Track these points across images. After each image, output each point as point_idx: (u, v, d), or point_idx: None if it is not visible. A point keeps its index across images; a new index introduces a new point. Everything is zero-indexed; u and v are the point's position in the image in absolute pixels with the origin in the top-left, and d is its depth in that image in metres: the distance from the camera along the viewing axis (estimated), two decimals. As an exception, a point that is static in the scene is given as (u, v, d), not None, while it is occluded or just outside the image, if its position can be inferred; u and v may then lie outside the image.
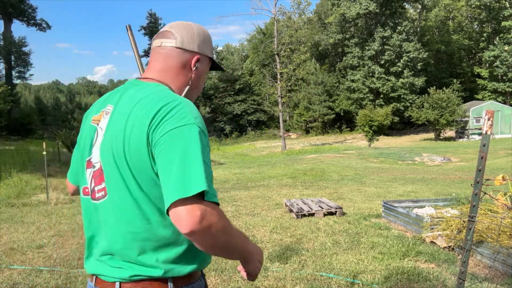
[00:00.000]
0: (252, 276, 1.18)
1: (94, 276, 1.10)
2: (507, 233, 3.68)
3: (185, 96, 1.15)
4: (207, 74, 1.33)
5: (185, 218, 0.88)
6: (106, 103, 1.14)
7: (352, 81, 41.39)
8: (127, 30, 1.36)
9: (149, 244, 1.02)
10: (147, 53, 52.10)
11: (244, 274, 1.19)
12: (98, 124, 1.12)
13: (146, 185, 1.00)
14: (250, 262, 1.14)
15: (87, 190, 1.13)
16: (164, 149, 0.94)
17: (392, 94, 38.61)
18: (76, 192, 1.31)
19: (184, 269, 1.06)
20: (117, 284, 1.04)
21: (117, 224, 1.04)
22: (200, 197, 0.90)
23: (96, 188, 1.08)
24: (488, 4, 36.33)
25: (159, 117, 0.97)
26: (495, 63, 36.91)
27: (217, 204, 0.95)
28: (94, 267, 1.11)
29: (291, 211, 6.15)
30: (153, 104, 1.00)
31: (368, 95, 39.97)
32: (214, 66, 1.29)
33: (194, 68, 1.18)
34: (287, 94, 41.06)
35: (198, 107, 53.72)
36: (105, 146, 1.05)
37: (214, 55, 1.32)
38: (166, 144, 0.94)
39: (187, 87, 1.18)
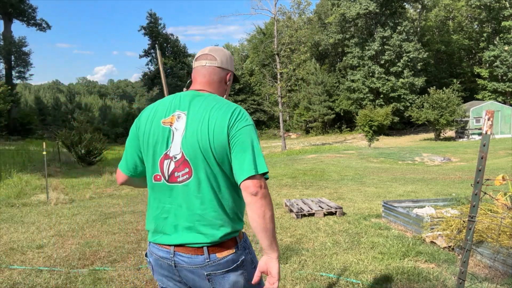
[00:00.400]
0: (275, 277, 1.39)
1: (173, 246, 1.41)
2: (507, 233, 3.68)
3: None
4: None
5: (253, 185, 1.32)
6: (172, 109, 1.45)
7: (352, 81, 41.39)
8: (156, 50, 1.63)
9: (226, 210, 1.41)
10: (147, 53, 52.14)
11: (269, 278, 1.40)
12: (171, 126, 1.43)
13: (224, 165, 1.39)
14: (273, 255, 1.40)
15: (158, 176, 1.44)
16: (239, 140, 1.37)
17: (392, 94, 38.61)
18: (126, 181, 1.60)
19: (240, 225, 1.48)
20: (205, 248, 1.38)
21: (201, 195, 1.38)
22: (262, 176, 1.37)
23: (176, 174, 1.41)
24: (488, 4, 36.32)
25: (233, 118, 1.38)
26: (495, 63, 36.90)
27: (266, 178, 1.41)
28: (175, 237, 1.41)
29: (291, 211, 6.15)
30: (226, 109, 1.40)
31: (368, 95, 39.96)
32: (235, 79, 1.69)
33: (228, 82, 1.60)
34: (287, 94, 41.07)
35: (198, 107, 53.71)
36: (188, 141, 1.39)
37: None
38: (240, 137, 1.37)
39: (225, 95, 1.59)
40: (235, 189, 1.44)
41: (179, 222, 1.41)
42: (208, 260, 1.39)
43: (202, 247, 1.38)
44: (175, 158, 1.41)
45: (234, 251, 1.42)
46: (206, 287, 1.43)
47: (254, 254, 1.56)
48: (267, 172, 1.39)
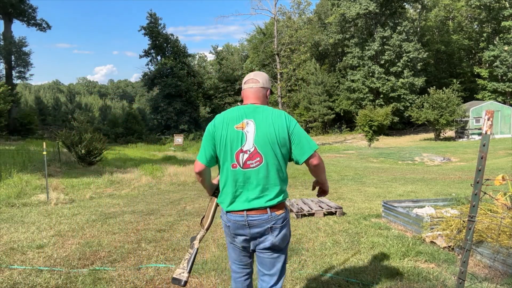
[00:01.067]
0: (325, 191, 2.40)
1: (245, 211, 2.10)
2: (507, 233, 3.68)
3: None
4: None
5: (316, 158, 2.11)
6: (241, 118, 2.11)
7: (352, 81, 41.38)
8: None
9: (282, 182, 2.14)
10: (147, 53, 52.14)
11: (322, 191, 2.39)
12: (243, 130, 2.10)
13: (285, 153, 2.12)
14: (326, 183, 2.34)
15: (235, 165, 2.11)
16: (296, 134, 2.10)
17: (392, 94, 38.60)
18: (203, 170, 2.22)
19: (287, 194, 2.21)
20: (268, 209, 2.10)
21: (268, 175, 2.08)
22: (316, 151, 2.12)
23: (249, 162, 2.08)
24: (488, 4, 36.32)
25: (287, 120, 2.11)
26: (495, 63, 36.90)
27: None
28: (247, 204, 2.11)
29: (291, 211, 6.15)
30: (280, 115, 2.12)
31: (368, 95, 39.95)
32: (271, 91, 2.36)
33: (268, 96, 2.30)
34: (287, 94, 41.09)
35: (198, 107, 53.77)
36: (259, 139, 2.07)
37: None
38: (296, 131, 2.10)
39: (268, 105, 2.28)
40: (286, 168, 2.19)
41: (249, 195, 2.10)
42: (270, 216, 2.11)
43: (266, 208, 2.10)
44: (249, 151, 2.09)
45: (284, 211, 2.18)
46: (269, 237, 2.15)
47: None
48: (319, 148, 2.17)
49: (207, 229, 2.41)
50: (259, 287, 2.31)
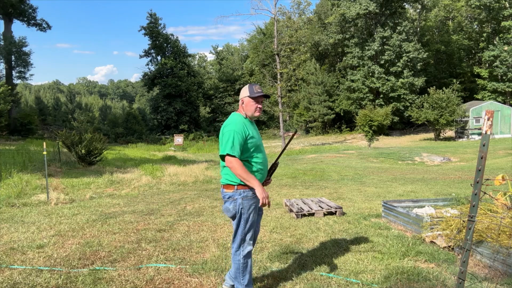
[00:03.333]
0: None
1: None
2: (507, 233, 3.68)
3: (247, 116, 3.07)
4: (255, 101, 3.02)
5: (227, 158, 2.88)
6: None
7: (352, 81, 41.39)
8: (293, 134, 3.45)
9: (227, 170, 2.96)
10: (147, 53, 52.16)
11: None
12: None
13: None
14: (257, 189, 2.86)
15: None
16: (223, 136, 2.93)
17: (392, 94, 38.61)
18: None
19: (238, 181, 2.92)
20: (222, 186, 2.98)
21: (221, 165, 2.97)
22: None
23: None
24: (488, 4, 36.32)
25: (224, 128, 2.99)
26: (495, 63, 36.91)
27: (234, 156, 2.82)
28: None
29: (291, 211, 6.15)
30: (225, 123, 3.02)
31: (368, 95, 39.96)
32: (259, 97, 3.04)
33: (243, 104, 3.04)
34: (287, 94, 41.09)
35: (198, 107, 53.81)
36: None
37: (255, 94, 3.01)
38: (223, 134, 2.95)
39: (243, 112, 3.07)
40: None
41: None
42: (222, 191, 3.03)
43: (221, 185, 3.04)
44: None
45: (232, 191, 2.97)
46: (224, 204, 3.02)
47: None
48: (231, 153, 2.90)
49: None
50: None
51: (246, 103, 2.98)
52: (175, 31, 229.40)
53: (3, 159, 14.56)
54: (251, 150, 2.94)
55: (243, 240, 2.97)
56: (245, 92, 3.02)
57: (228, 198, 2.93)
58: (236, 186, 2.89)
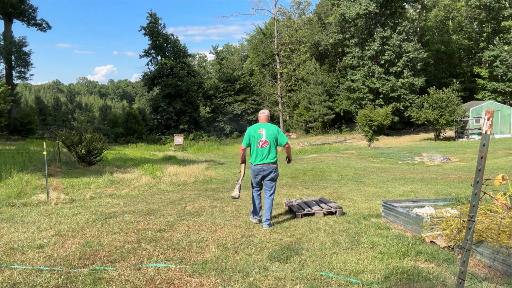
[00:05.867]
0: (290, 160, 5.92)
1: (262, 164, 5.32)
2: (507, 233, 3.68)
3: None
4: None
5: (288, 145, 5.57)
6: (260, 128, 5.42)
7: (352, 81, 41.38)
8: None
9: (275, 153, 5.43)
10: (147, 53, 52.14)
11: (289, 160, 5.89)
12: (261, 132, 5.37)
13: (276, 141, 5.45)
14: (291, 156, 5.87)
15: (258, 146, 5.34)
16: (280, 134, 5.50)
17: (392, 94, 38.59)
18: (244, 150, 5.49)
19: (277, 158, 5.56)
20: (271, 164, 5.37)
21: (270, 151, 5.34)
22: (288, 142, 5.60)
23: (263, 144, 5.33)
24: (488, 4, 36.31)
25: (279, 130, 5.54)
26: (495, 63, 36.90)
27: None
28: (264, 161, 5.34)
29: (291, 210, 6.15)
30: (276, 127, 5.55)
31: (368, 95, 39.95)
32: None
33: (269, 118, 5.88)
34: (287, 94, 41.09)
35: (198, 107, 53.76)
36: (268, 135, 5.35)
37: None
38: (280, 133, 5.50)
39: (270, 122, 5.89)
40: (276, 147, 5.36)
41: (264, 159, 5.31)
42: (272, 166, 5.36)
43: (270, 163, 5.33)
44: (262, 140, 5.32)
45: (276, 165, 5.41)
46: (272, 175, 5.38)
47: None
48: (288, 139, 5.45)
49: (243, 175, 5.65)
50: (264, 195, 5.51)
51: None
52: (175, 31, 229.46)
53: (3, 159, 14.56)
54: None
55: (275, 189, 5.60)
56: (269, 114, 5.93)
57: (275, 168, 5.40)
58: (276, 162, 5.45)
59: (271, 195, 5.41)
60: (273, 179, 5.37)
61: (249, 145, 5.40)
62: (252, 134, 5.37)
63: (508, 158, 16.77)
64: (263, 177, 5.35)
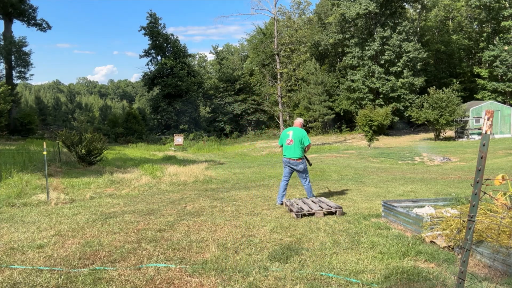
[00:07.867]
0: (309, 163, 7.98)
1: (288, 158, 7.11)
2: (507, 233, 3.68)
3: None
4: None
5: (309, 146, 7.31)
6: (289, 130, 7.23)
7: (352, 81, 41.38)
8: None
9: (301, 150, 7.12)
10: (147, 53, 52.15)
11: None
12: (289, 133, 7.16)
13: (301, 141, 7.11)
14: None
15: (286, 143, 7.14)
16: (304, 135, 7.17)
17: (392, 94, 38.60)
18: (282, 147, 7.33)
19: (302, 154, 7.26)
20: (296, 160, 7.08)
21: (294, 148, 7.04)
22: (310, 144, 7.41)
23: (290, 142, 7.08)
24: (488, 4, 36.32)
25: (304, 133, 7.22)
26: (495, 63, 36.91)
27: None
28: (290, 156, 7.08)
29: (291, 210, 6.15)
30: (303, 131, 7.25)
31: (368, 95, 39.96)
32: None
33: (302, 126, 7.51)
34: (287, 94, 41.02)
35: (198, 107, 53.79)
36: (294, 136, 7.07)
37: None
38: (304, 135, 7.16)
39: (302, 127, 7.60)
40: (302, 146, 7.06)
41: (289, 154, 7.07)
42: (296, 162, 7.06)
43: (295, 158, 7.04)
44: (289, 139, 7.07)
45: (301, 160, 7.09)
46: (297, 168, 7.06)
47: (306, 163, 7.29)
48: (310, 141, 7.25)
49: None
50: (301, 182, 7.29)
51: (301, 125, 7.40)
52: (175, 31, 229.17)
53: (3, 159, 14.56)
54: None
55: (307, 178, 7.14)
56: (302, 122, 7.48)
57: (300, 163, 6.96)
58: (302, 157, 7.03)
59: (305, 182, 7.14)
60: (300, 171, 7.03)
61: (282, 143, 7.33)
62: (284, 134, 7.21)
63: (508, 158, 16.77)
64: (291, 169, 7.09)
